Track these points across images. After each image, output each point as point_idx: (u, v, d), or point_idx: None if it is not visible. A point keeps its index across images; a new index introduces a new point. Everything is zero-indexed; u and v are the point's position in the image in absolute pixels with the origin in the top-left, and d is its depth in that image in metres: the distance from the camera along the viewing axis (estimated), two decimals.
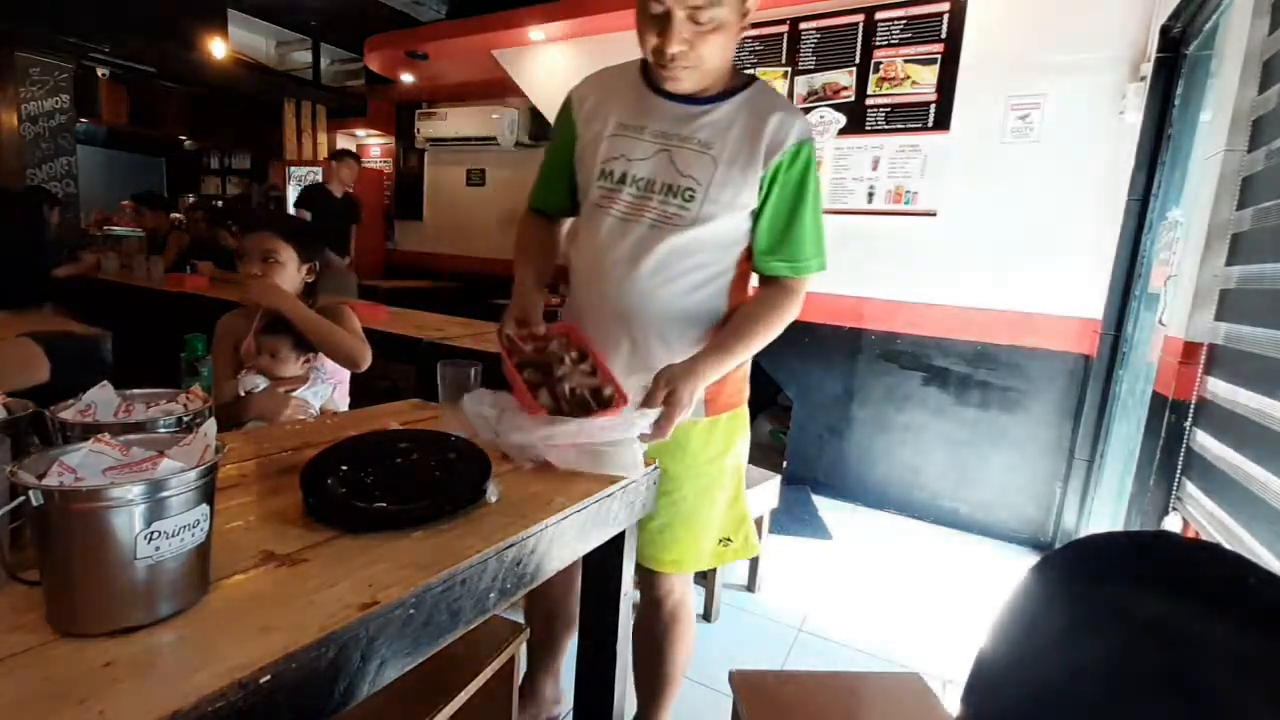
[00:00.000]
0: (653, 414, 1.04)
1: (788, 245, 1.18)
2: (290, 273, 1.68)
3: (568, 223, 1.39)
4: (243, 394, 1.61)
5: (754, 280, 1.28)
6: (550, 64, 4.30)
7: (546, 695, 1.60)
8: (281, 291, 1.62)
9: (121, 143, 8.63)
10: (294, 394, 1.65)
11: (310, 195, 4.76)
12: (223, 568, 0.67)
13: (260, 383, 1.63)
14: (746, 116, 1.14)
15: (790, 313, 1.21)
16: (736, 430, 1.31)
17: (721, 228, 1.16)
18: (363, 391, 1.86)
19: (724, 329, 1.19)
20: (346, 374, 1.78)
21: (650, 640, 1.39)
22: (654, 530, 1.28)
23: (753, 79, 1.20)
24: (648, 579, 1.34)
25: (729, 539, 1.35)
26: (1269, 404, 1.29)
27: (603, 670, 1.17)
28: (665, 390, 1.05)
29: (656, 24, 1.06)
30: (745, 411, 1.34)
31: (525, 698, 1.57)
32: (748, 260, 1.24)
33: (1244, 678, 0.47)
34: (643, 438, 1.05)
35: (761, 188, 1.15)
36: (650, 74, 1.18)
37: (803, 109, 3.32)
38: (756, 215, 1.18)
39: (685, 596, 1.39)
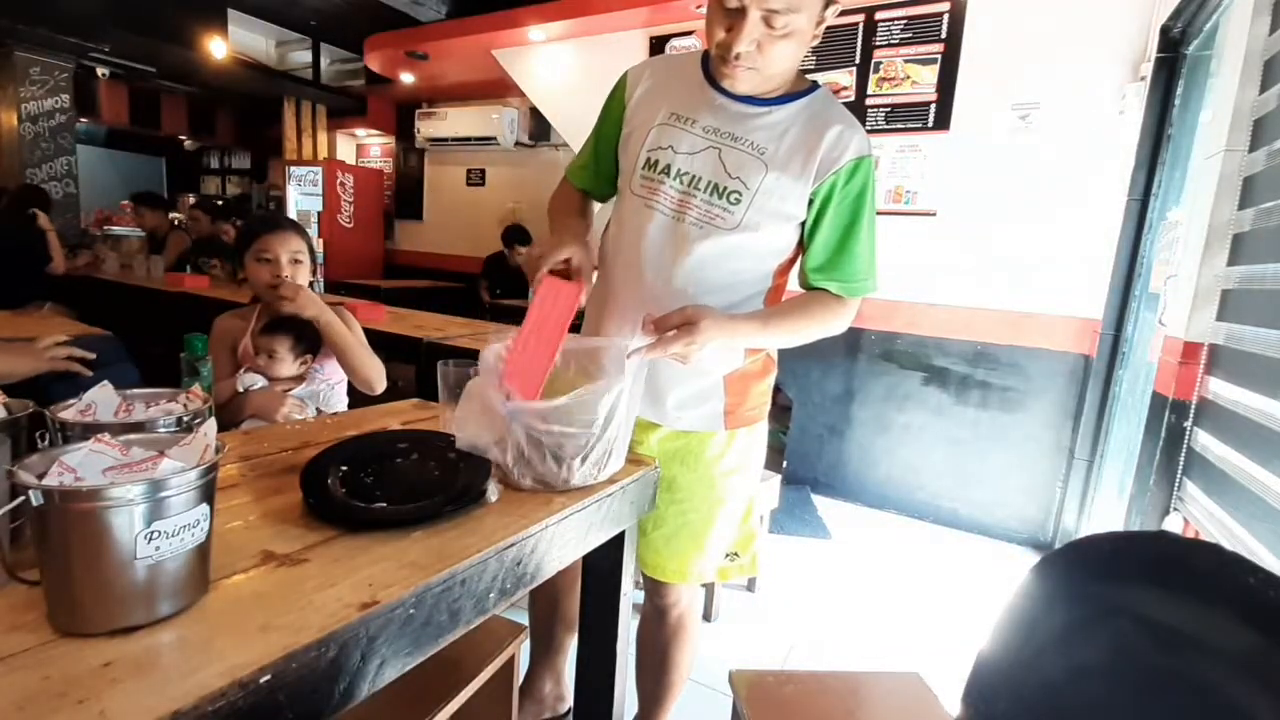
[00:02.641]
0: (642, 340, 1.00)
1: (841, 264, 1.13)
2: (307, 271, 1.72)
3: (598, 207, 1.34)
4: (241, 390, 1.61)
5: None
6: (550, 64, 4.30)
7: (548, 694, 1.60)
8: (321, 302, 1.63)
9: (121, 143, 8.63)
10: (291, 393, 1.65)
11: None
12: (223, 568, 0.67)
13: (259, 381, 1.63)
14: (804, 124, 1.10)
15: (839, 323, 1.16)
16: (754, 446, 1.28)
17: (765, 236, 1.12)
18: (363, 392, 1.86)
19: (770, 309, 1.16)
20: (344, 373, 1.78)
21: (654, 647, 1.39)
22: (661, 539, 1.27)
23: (815, 85, 1.15)
24: (654, 587, 1.33)
25: (736, 554, 1.35)
26: (1269, 404, 1.29)
27: (603, 670, 1.17)
28: (683, 319, 0.99)
29: (728, 18, 1.01)
30: (765, 427, 1.30)
31: (526, 697, 1.57)
32: (785, 274, 1.20)
33: (1244, 677, 0.47)
34: (635, 352, 0.99)
35: (814, 202, 1.11)
36: (711, 67, 1.13)
37: None
38: (808, 230, 1.14)
39: (692, 606, 1.37)
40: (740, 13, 0.98)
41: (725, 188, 1.10)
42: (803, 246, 1.17)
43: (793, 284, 1.24)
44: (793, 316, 1.14)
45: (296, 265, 1.68)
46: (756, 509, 1.36)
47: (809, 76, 1.16)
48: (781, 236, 1.14)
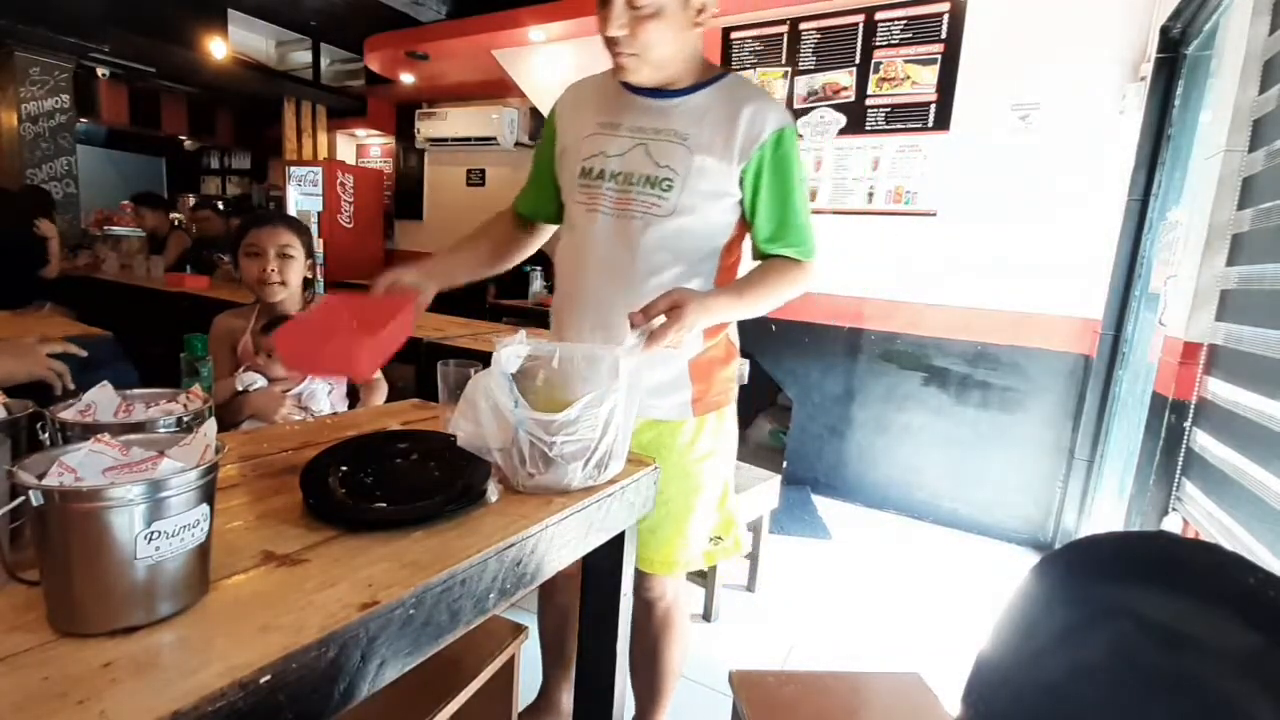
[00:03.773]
0: (635, 338, 1.01)
1: (788, 231, 1.19)
2: (300, 266, 1.71)
3: (550, 230, 1.41)
4: (240, 390, 1.61)
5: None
6: (550, 64, 4.30)
7: (564, 707, 1.58)
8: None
9: (121, 143, 8.63)
10: (290, 393, 1.65)
11: None
12: (223, 568, 0.67)
13: (258, 380, 1.63)
14: (720, 106, 1.16)
15: (802, 283, 1.21)
16: (724, 430, 1.32)
17: (705, 218, 1.17)
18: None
19: (739, 280, 1.20)
20: None
21: (645, 643, 1.39)
22: (645, 531, 1.27)
23: (727, 72, 1.21)
24: (640, 580, 1.34)
25: (719, 538, 1.37)
26: (1269, 404, 1.29)
27: (603, 671, 1.17)
28: (669, 304, 1.01)
29: (601, 10, 1.08)
30: (733, 411, 1.35)
31: (544, 714, 1.56)
32: (733, 254, 1.25)
33: (1244, 678, 0.47)
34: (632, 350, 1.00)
35: (746, 179, 1.16)
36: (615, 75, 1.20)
37: (803, 109, 3.33)
38: (749, 207, 1.19)
39: (679, 598, 1.39)
40: (606, 1, 1.06)
41: (657, 177, 1.15)
42: (746, 225, 1.22)
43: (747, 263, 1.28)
44: (762, 283, 1.18)
45: (285, 260, 1.67)
46: (733, 491, 1.39)
47: (720, 67, 1.23)
48: (720, 215, 1.19)
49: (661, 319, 1.01)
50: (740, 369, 1.36)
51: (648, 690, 1.44)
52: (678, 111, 1.17)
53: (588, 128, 1.22)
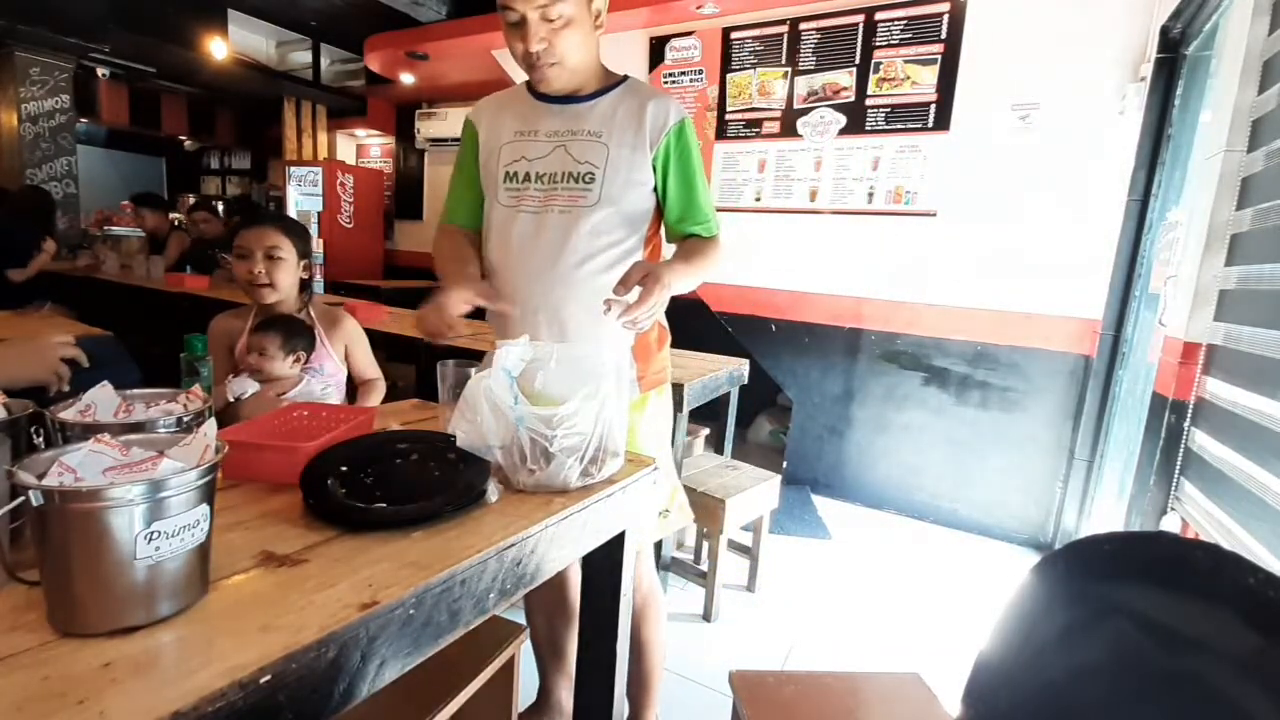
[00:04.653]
0: (617, 314, 1.07)
1: (694, 212, 1.32)
2: (291, 268, 1.68)
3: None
4: (232, 400, 1.58)
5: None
6: None
7: (565, 706, 1.58)
8: None
9: (121, 143, 8.62)
10: (285, 397, 1.62)
11: None
12: (222, 568, 0.67)
13: (250, 388, 1.60)
14: (626, 104, 1.28)
15: (720, 256, 1.32)
16: (661, 405, 1.42)
17: (627, 206, 1.27)
18: None
19: (675, 254, 1.30)
20: (343, 375, 1.78)
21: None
22: None
23: (626, 77, 1.34)
24: None
25: (666, 510, 1.43)
26: (1267, 404, 1.29)
27: (603, 670, 1.17)
28: (641, 273, 1.09)
29: (517, 30, 1.19)
30: (669, 389, 1.47)
31: (543, 713, 1.56)
32: (654, 238, 1.37)
33: (1244, 677, 0.47)
34: (627, 323, 1.07)
35: (656, 167, 1.28)
36: (532, 85, 1.31)
37: (803, 109, 3.33)
38: (661, 192, 1.31)
39: (652, 581, 1.43)
40: (521, 22, 1.17)
41: (579, 173, 1.26)
42: (660, 210, 1.34)
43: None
44: (695, 255, 1.28)
45: (273, 261, 1.65)
46: (671, 463, 1.47)
47: (616, 73, 1.34)
48: (640, 202, 1.29)
49: (638, 290, 1.08)
50: (739, 368, 1.43)
51: (637, 680, 1.46)
52: (590, 113, 1.28)
53: (506, 136, 1.33)
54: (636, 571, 1.36)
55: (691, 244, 1.32)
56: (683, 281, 1.22)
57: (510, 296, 1.31)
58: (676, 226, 1.34)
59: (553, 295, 1.27)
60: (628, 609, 1.15)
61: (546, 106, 1.31)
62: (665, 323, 1.42)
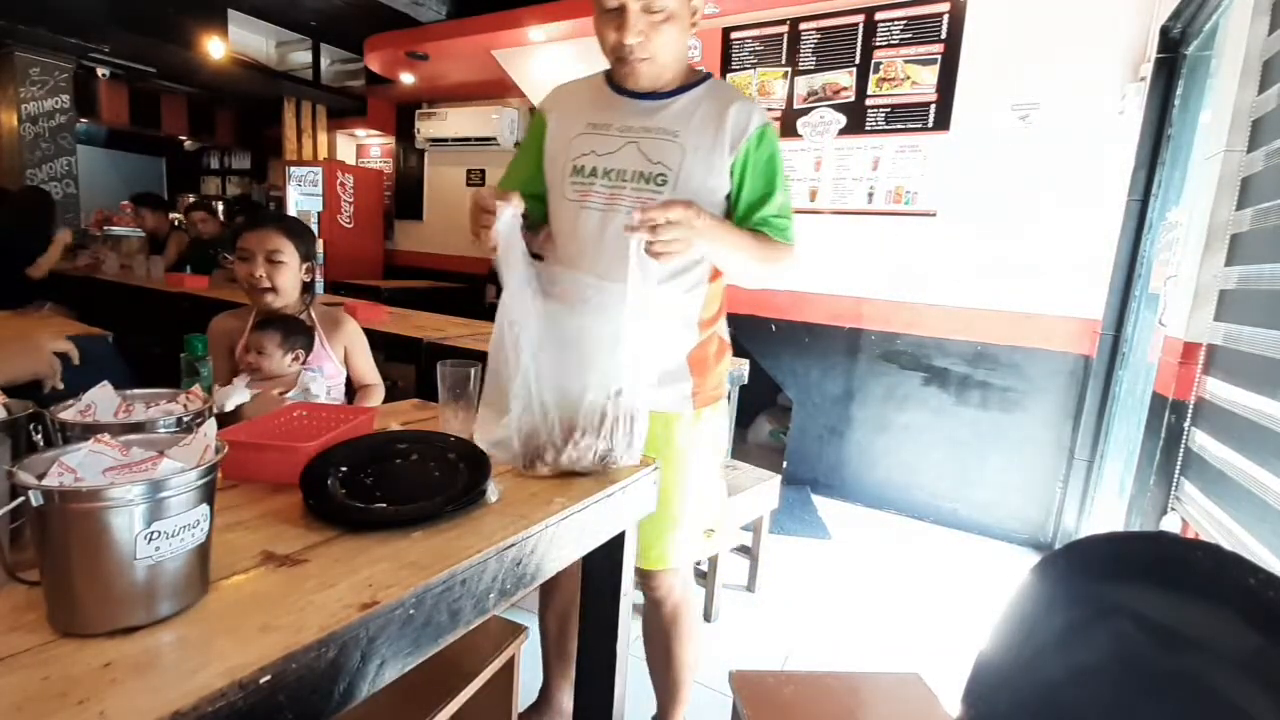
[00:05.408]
0: (636, 244, 1.01)
1: (765, 210, 1.22)
2: (292, 271, 1.68)
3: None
4: (228, 408, 1.57)
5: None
6: (550, 64, 4.30)
7: (565, 707, 1.57)
8: None
9: (121, 143, 8.62)
10: (288, 396, 1.62)
11: None
12: (222, 568, 0.67)
13: (239, 398, 1.58)
14: (707, 105, 1.21)
15: (785, 261, 1.22)
16: (717, 423, 1.37)
17: None
18: None
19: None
20: (343, 376, 1.78)
21: (657, 641, 1.42)
22: (640, 527, 1.28)
23: (709, 75, 1.27)
24: (644, 579, 1.35)
25: (713, 530, 1.39)
26: (1267, 404, 1.29)
27: (603, 671, 1.17)
28: (666, 206, 1.01)
29: (614, 19, 1.13)
30: (725, 405, 1.40)
31: (544, 714, 1.56)
32: None
33: (1244, 677, 0.47)
34: (630, 228, 1.01)
35: (733, 173, 1.20)
36: (613, 78, 1.26)
37: (803, 109, 3.33)
38: (733, 198, 1.22)
39: (686, 595, 1.40)
40: (621, 10, 1.11)
41: (650, 173, 1.19)
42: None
43: None
44: (755, 238, 1.19)
45: (274, 264, 1.64)
46: (722, 483, 1.43)
47: (700, 69, 1.28)
48: (712, 207, 1.19)
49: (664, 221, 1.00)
50: (739, 369, 1.41)
51: (664, 688, 1.47)
52: (667, 111, 1.21)
53: (578, 128, 1.26)
54: (666, 581, 1.36)
55: (756, 234, 1.22)
56: (720, 239, 1.12)
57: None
58: (739, 224, 1.23)
59: None
60: (628, 609, 1.15)
61: (623, 100, 1.24)
62: (727, 336, 1.38)
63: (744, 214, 1.22)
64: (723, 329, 1.37)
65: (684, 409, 1.28)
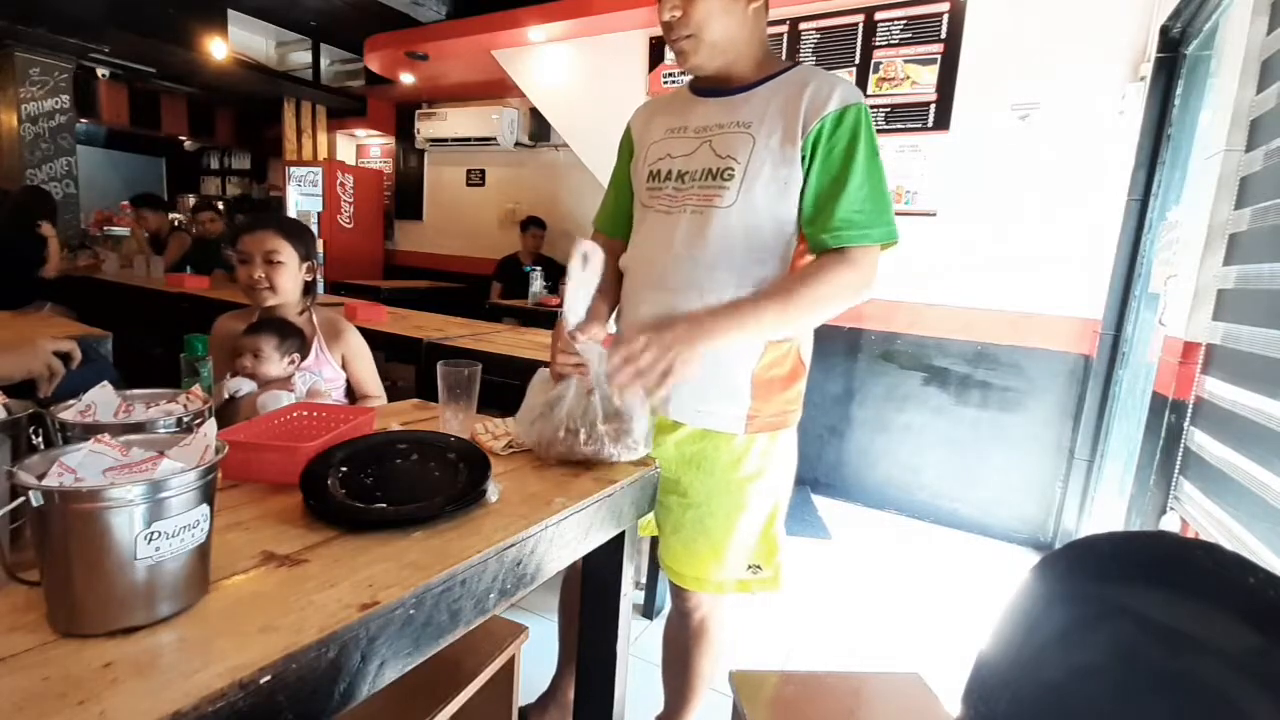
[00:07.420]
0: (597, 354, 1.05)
1: (827, 215, 1.07)
2: (292, 272, 1.68)
3: None
4: (227, 397, 1.57)
5: None
6: (550, 64, 4.30)
7: (570, 701, 1.58)
8: None
9: (121, 143, 8.62)
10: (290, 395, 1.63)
11: None
12: (223, 568, 0.67)
13: (245, 386, 1.59)
14: (788, 90, 1.10)
15: (843, 281, 1.06)
16: (778, 452, 1.24)
17: (765, 205, 1.09)
18: None
19: (756, 294, 1.10)
20: (343, 378, 1.77)
21: (676, 646, 1.40)
22: (679, 544, 1.26)
23: (797, 63, 1.17)
24: (676, 589, 1.33)
25: (759, 566, 1.28)
26: (1267, 403, 1.29)
27: (602, 670, 1.17)
28: (643, 338, 0.98)
29: (659, 4, 1.09)
30: (792, 435, 1.26)
31: (549, 708, 1.55)
32: (803, 247, 1.15)
33: (1244, 677, 0.47)
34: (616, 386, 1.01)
35: (804, 160, 1.08)
36: (694, 82, 1.23)
37: None
38: (803, 187, 1.10)
39: (714, 613, 1.34)
40: None
41: (717, 169, 1.12)
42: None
43: None
44: (791, 287, 1.06)
45: (273, 266, 1.64)
46: (781, 521, 1.28)
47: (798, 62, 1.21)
48: (785, 202, 1.10)
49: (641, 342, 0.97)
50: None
51: (674, 691, 1.45)
52: (744, 104, 1.13)
53: (656, 134, 1.24)
54: (697, 598, 1.30)
55: (803, 270, 1.09)
56: (727, 327, 1.02)
57: (631, 299, 1.23)
58: (806, 231, 1.10)
59: (682, 303, 1.11)
60: (628, 609, 1.15)
61: (701, 100, 1.18)
62: (806, 356, 1.23)
63: (810, 214, 1.09)
64: (804, 349, 1.22)
65: (735, 430, 1.19)
